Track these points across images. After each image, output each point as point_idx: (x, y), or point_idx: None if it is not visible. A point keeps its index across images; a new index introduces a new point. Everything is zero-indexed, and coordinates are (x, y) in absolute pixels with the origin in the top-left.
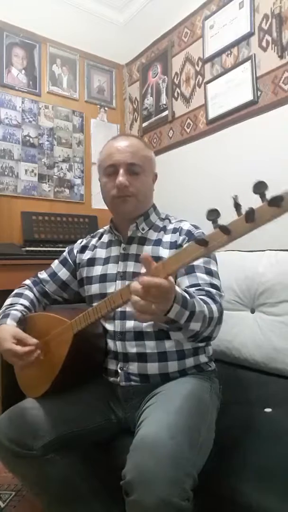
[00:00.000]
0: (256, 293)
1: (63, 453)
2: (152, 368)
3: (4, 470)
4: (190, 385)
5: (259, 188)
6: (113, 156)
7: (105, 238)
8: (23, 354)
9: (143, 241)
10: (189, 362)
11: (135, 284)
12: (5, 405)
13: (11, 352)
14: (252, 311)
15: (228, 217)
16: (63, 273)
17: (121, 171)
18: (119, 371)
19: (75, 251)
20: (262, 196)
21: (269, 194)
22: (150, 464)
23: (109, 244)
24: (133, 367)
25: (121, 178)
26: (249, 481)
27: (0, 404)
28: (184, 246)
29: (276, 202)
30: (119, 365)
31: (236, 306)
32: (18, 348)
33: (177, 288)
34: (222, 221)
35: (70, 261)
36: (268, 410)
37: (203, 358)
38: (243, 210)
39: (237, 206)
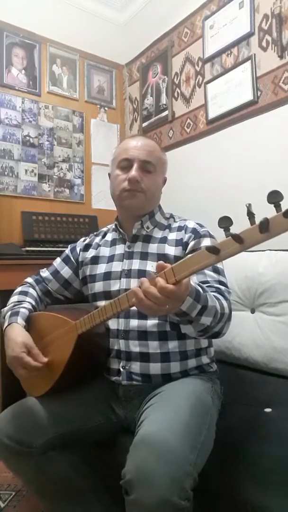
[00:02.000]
0: (256, 293)
1: (63, 452)
2: (155, 368)
3: (4, 470)
4: (191, 386)
5: (274, 197)
6: (129, 151)
7: (109, 237)
8: (32, 368)
9: (148, 239)
10: (191, 363)
11: (151, 290)
12: (6, 404)
13: (22, 361)
14: (252, 311)
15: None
16: (66, 271)
17: (135, 165)
18: (121, 369)
19: (78, 249)
20: (277, 206)
21: (284, 204)
22: (150, 463)
23: (113, 243)
24: (136, 367)
25: (134, 172)
26: (249, 481)
27: (0, 402)
28: (195, 252)
29: None
30: (121, 364)
31: (236, 306)
32: (29, 359)
33: (190, 281)
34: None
35: (73, 260)
36: (268, 410)
37: (205, 359)
38: (256, 218)
39: (250, 214)
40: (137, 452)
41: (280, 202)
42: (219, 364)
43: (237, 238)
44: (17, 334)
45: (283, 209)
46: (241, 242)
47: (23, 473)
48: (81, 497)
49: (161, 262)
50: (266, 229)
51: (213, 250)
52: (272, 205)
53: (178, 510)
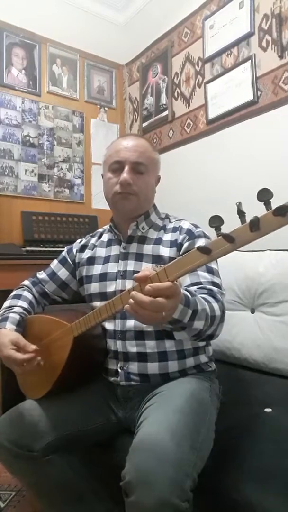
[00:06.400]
0: (256, 293)
1: (63, 454)
2: (152, 367)
3: (4, 470)
4: (190, 386)
5: (264, 195)
6: (120, 153)
7: (105, 237)
8: (23, 361)
9: (143, 240)
10: (189, 362)
11: (142, 297)
12: (5, 407)
13: (11, 358)
14: (252, 311)
15: (228, 218)
16: (63, 273)
17: (126, 168)
18: (119, 370)
19: (74, 251)
20: (267, 204)
21: (274, 202)
22: (150, 464)
23: (109, 243)
24: (133, 367)
25: (125, 175)
26: (249, 481)
27: (0, 406)
28: (187, 252)
29: (281, 212)
30: (119, 365)
31: (236, 306)
32: (18, 355)
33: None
34: (221, 221)
35: (70, 261)
36: (268, 410)
37: (203, 358)
38: (246, 217)
39: (241, 213)
40: (136, 453)
41: (270, 200)
42: (219, 364)
43: (228, 237)
44: (4, 336)
45: (273, 207)
46: (232, 241)
47: (23, 476)
48: (82, 499)
49: (139, 274)
50: (256, 227)
51: (205, 250)
52: (262, 203)
53: (178, 511)
